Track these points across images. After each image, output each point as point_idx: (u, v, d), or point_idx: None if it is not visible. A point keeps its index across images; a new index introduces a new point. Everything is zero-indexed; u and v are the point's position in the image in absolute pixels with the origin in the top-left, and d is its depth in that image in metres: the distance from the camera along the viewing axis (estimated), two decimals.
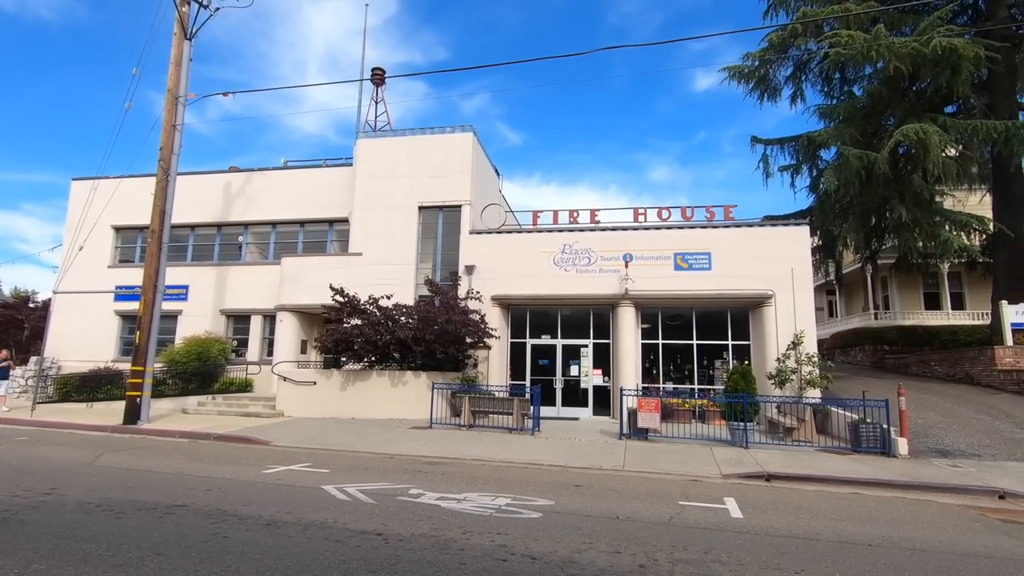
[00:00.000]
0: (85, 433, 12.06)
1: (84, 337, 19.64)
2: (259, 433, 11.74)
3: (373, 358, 15.23)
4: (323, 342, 14.81)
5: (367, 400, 14.59)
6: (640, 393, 12.71)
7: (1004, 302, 16.66)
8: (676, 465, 9.20)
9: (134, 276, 17.76)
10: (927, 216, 17.20)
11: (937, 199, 18.93)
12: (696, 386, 15.58)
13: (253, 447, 10.67)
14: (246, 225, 20.34)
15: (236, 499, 6.20)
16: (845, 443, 10.99)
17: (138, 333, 13.26)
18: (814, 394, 13.58)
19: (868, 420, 10.66)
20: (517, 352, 16.68)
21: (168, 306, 19.58)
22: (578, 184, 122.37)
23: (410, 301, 16.08)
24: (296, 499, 6.30)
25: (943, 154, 15.96)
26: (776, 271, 14.82)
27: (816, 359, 14.02)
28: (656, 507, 6.45)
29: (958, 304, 24.01)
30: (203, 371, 17.38)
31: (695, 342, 15.85)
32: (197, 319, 19.27)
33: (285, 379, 15.17)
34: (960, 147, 17.24)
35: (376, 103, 23.01)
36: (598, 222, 16.53)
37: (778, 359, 14.06)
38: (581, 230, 16.30)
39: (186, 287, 19.77)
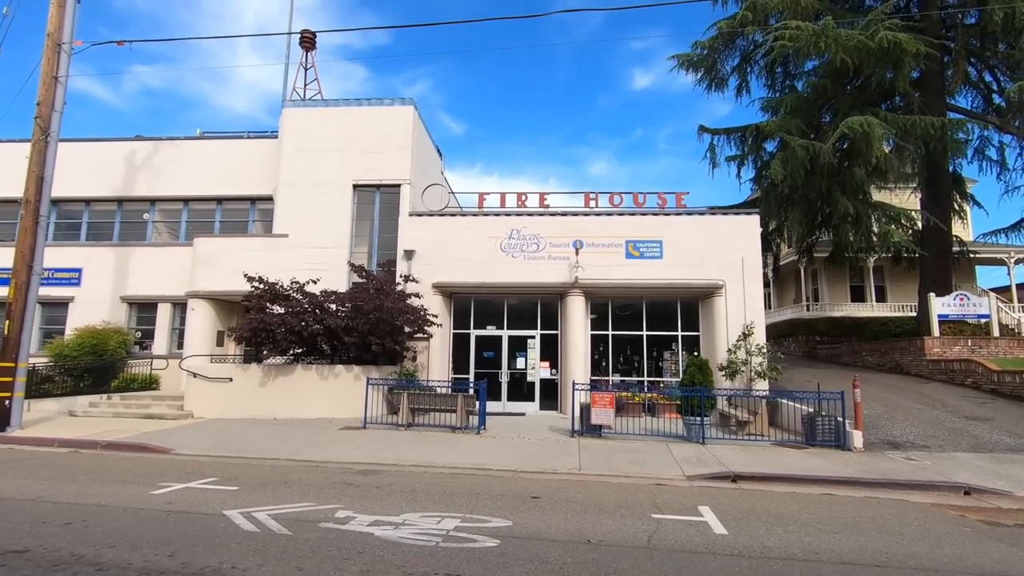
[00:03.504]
0: None
1: None
2: (159, 439, 10.05)
3: (299, 350, 13.69)
4: (240, 332, 13.09)
5: (292, 398, 13.06)
6: (591, 387, 12.00)
7: (932, 294, 17.22)
8: (635, 466, 8.49)
9: (7, 257, 15.19)
10: (866, 209, 17.53)
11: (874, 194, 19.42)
12: (645, 378, 15.09)
13: (149, 457, 9.03)
14: (153, 201, 17.95)
15: (102, 537, 4.79)
16: (797, 436, 10.70)
17: (7, 323, 11.11)
18: (763, 385, 13.38)
19: (823, 413, 10.41)
20: (460, 344, 15.58)
21: (57, 292, 17.09)
22: (519, 176, 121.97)
23: (343, 288, 14.62)
24: (187, 532, 4.97)
25: (883, 148, 16.22)
26: (727, 260, 14.49)
27: (766, 350, 13.83)
28: (628, 523, 5.61)
29: (881, 297, 25.14)
30: (98, 366, 15.11)
31: (645, 333, 15.33)
32: (93, 307, 16.80)
33: (195, 375, 13.35)
34: (897, 142, 17.65)
35: (306, 69, 20.97)
36: (547, 206, 15.65)
37: (729, 350, 13.76)
38: (530, 214, 15.34)
39: (79, 270, 17.23)
